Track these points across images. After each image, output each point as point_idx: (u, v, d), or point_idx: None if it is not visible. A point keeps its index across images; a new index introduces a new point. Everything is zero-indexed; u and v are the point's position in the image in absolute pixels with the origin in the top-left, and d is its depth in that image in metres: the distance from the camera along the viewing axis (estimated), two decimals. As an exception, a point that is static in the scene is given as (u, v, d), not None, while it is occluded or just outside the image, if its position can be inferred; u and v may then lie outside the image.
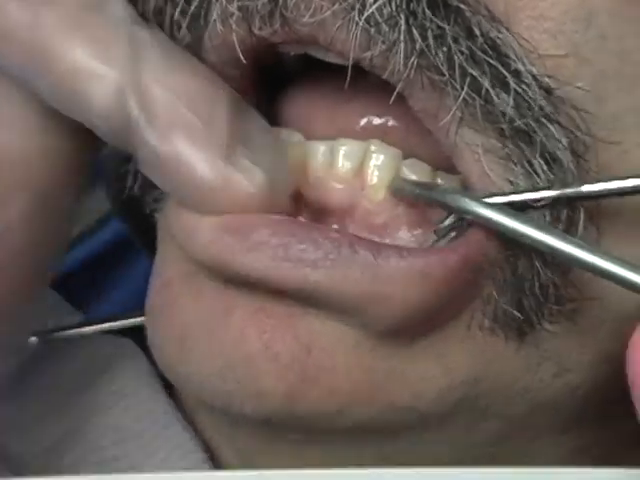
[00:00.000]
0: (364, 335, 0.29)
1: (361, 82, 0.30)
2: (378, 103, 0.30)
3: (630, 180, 0.27)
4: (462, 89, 0.27)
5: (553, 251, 0.27)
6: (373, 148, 0.30)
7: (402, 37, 0.27)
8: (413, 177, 0.30)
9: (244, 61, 0.29)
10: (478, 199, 0.28)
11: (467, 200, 0.28)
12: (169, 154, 0.27)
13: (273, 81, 0.31)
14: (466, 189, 0.29)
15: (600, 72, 0.28)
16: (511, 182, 0.28)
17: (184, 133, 0.27)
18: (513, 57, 0.28)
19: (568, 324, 0.29)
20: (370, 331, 0.29)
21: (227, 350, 0.28)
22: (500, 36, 0.27)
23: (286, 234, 0.28)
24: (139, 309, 0.33)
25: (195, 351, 0.29)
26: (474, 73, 0.27)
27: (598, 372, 0.30)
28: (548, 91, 0.28)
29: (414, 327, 0.29)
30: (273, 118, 0.31)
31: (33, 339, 0.34)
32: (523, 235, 0.27)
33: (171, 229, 0.29)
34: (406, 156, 0.30)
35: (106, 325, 0.35)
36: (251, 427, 0.30)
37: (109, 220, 0.43)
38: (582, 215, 0.28)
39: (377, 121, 0.30)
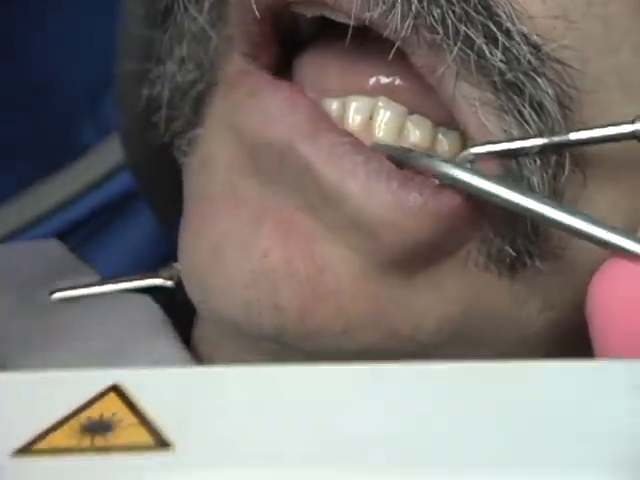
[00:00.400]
0: (372, 264, 0.31)
1: (371, 45, 0.32)
2: (386, 64, 0.32)
3: (611, 128, 0.30)
4: (455, 45, 0.30)
5: (515, 207, 0.29)
6: (381, 104, 0.33)
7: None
8: (417, 132, 0.32)
9: (258, 16, 0.32)
10: (446, 161, 0.31)
11: (437, 162, 0.30)
12: None
13: (292, 44, 0.34)
14: (467, 141, 0.32)
15: (585, 34, 0.31)
16: (505, 131, 0.31)
17: None
18: (504, 17, 0.30)
19: (554, 264, 0.32)
20: (378, 260, 0.31)
21: (254, 261, 0.31)
22: None
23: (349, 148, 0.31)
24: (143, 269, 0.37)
25: (226, 261, 0.31)
26: (467, 31, 0.30)
27: (576, 312, 0.31)
28: (536, 48, 0.30)
29: (418, 259, 0.31)
30: (290, 77, 0.34)
31: (50, 297, 0.36)
32: (486, 192, 0.29)
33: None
34: (411, 112, 0.33)
35: (123, 285, 0.36)
36: (262, 348, 0.33)
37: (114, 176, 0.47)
38: (568, 161, 0.31)
39: (385, 80, 0.33)
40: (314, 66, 0.34)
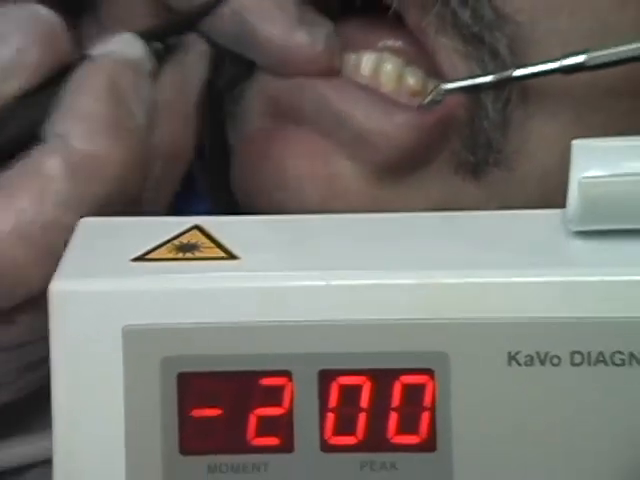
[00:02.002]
0: (371, 170, 0.41)
1: (380, 20, 0.42)
2: (390, 31, 0.42)
3: (543, 65, 0.39)
4: (435, 6, 0.39)
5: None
6: (385, 57, 0.42)
7: None
8: (412, 78, 0.42)
9: None
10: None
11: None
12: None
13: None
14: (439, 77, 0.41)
15: (534, 1, 0.40)
16: (470, 72, 0.40)
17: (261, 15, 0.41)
18: None
19: (508, 173, 0.41)
20: (376, 166, 0.41)
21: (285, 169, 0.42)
22: None
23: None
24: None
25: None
26: None
27: None
28: (496, 9, 0.40)
29: (405, 164, 0.41)
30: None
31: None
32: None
33: None
34: (407, 64, 0.42)
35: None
36: None
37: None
38: (515, 94, 0.40)
39: (390, 42, 0.43)
40: (339, 32, 0.43)
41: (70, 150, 0.36)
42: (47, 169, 0.35)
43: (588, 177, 0.32)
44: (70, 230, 0.34)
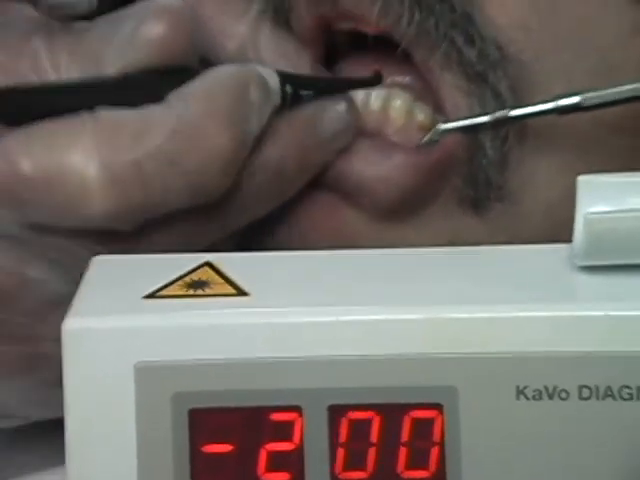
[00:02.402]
0: (375, 214, 0.42)
1: (389, 56, 0.42)
2: (400, 67, 0.43)
3: (539, 105, 0.39)
4: (443, 44, 0.40)
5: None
6: (394, 93, 0.42)
7: (406, 11, 0.40)
8: (421, 114, 0.43)
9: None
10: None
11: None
12: None
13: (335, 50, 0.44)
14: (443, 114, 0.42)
15: (539, 41, 0.40)
16: (471, 110, 0.40)
17: None
18: (479, 25, 0.40)
19: (512, 208, 0.41)
20: (379, 211, 0.42)
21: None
22: (473, 11, 0.40)
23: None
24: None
25: None
26: (453, 34, 0.40)
27: None
28: (501, 49, 0.40)
29: (408, 205, 0.41)
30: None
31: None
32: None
33: None
34: (416, 100, 0.43)
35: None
36: None
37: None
38: (512, 134, 0.40)
39: (398, 79, 0.43)
40: (350, 68, 0.44)
41: (180, 119, 0.37)
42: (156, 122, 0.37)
43: (593, 213, 0.32)
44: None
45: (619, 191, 0.32)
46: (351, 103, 0.42)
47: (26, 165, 0.36)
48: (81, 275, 0.35)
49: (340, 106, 0.42)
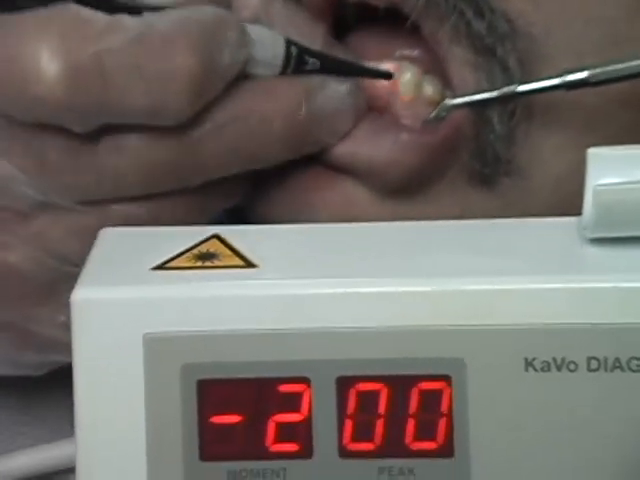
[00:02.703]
0: (385, 192, 0.41)
1: (399, 29, 0.41)
2: (409, 41, 0.42)
3: (546, 81, 0.39)
4: (452, 17, 0.39)
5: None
6: (404, 67, 0.42)
7: None
8: (430, 87, 0.42)
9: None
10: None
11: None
12: None
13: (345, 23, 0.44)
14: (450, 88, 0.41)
15: (548, 13, 0.40)
16: (478, 83, 0.40)
17: None
18: None
19: (520, 182, 0.41)
20: (387, 189, 0.41)
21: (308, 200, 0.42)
22: None
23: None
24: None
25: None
26: (462, 6, 0.39)
27: None
28: (510, 22, 0.39)
29: (417, 183, 0.41)
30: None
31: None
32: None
33: None
34: (425, 73, 0.42)
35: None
36: None
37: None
38: (519, 109, 0.40)
39: (407, 52, 0.43)
40: (362, 41, 0.44)
41: (150, 27, 0.37)
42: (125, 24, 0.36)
43: (603, 185, 0.32)
44: None
45: (628, 163, 0.32)
46: (357, 88, 0.42)
47: None
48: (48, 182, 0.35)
49: (342, 87, 0.41)
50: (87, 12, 0.37)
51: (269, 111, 0.39)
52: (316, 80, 0.41)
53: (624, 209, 0.32)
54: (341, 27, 0.44)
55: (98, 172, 0.37)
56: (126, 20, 0.37)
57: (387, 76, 0.42)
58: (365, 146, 0.41)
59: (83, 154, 0.37)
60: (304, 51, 0.41)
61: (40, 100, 0.36)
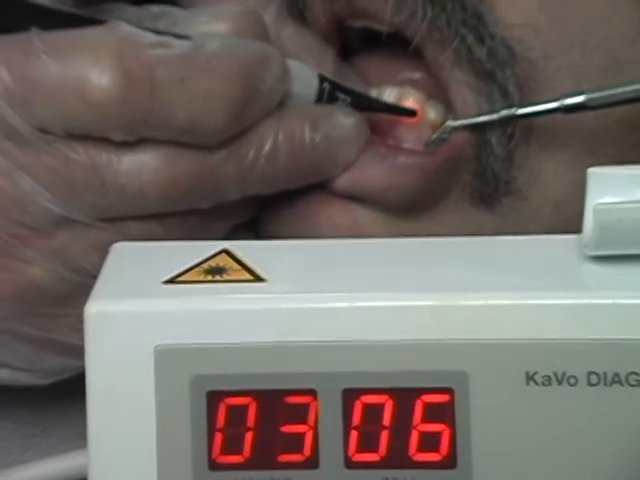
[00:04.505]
0: (389, 215, 0.41)
1: (401, 53, 0.42)
2: (409, 65, 0.43)
3: (544, 104, 0.39)
4: (454, 42, 0.40)
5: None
6: (407, 92, 0.43)
7: (419, 7, 0.40)
8: (432, 111, 0.43)
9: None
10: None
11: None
12: None
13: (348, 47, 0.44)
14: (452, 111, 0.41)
15: (547, 39, 0.40)
16: (479, 107, 0.40)
17: None
18: (490, 24, 0.40)
19: (521, 202, 0.41)
20: (391, 211, 0.41)
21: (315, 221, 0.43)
22: (483, 10, 0.40)
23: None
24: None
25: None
26: (463, 32, 0.40)
27: None
28: (510, 48, 0.40)
29: (419, 204, 0.41)
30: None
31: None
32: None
33: None
34: (427, 98, 0.43)
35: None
36: None
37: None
38: (518, 131, 0.40)
39: (410, 75, 0.43)
40: (363, 64, 0.44)
41: (198, 49, 0.38)
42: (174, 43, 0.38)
43: (603, 203, 0.33)
44: None
45: (628, 183, 0.32)
46: (362, 121, 0.42)
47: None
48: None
49: (348, 119, 0.41)
50: (138, 30, 0.37)
51: (277, 139, 0.40)
52: (322, 110, 0.41)
53: (624, 228, 0.32)
54: (345, 51, 0.44)
55: (120, 190, 0.38)
56: (174, 40, 0.38)
57: (411, 113, 0.42)
58: (365, 173, 0.41)
59: (107, 173, 0.37)
60: (336, 87, 0.41)
61: (95, 107, 0.36)
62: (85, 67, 0.36)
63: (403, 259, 0.34)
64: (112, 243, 0.37)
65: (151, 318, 0.32)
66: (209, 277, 0.33)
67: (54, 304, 0.39)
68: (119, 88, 0.36)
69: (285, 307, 0.32)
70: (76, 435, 0.43)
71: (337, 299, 0.32)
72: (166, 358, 0.32)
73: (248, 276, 0.33)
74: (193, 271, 0.33)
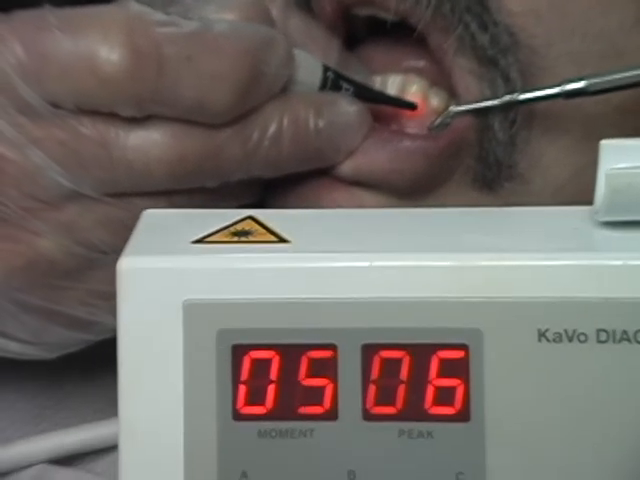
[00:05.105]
0: (392, 199, 0.42)
1: (405, 41, 0.43)
2: (415, 52, 0.44)
3: (546, 90, 0.40)
4: (457, 29, 0.41)
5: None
6: (410, 79, 0.44)
7: None
8: (436, 98, 0.44)
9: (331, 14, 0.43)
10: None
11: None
12: None
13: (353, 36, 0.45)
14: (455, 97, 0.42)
15: (549, 26, 0.41)
16: (482, 93, 0.41)
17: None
18: (493, 11, 0.41)
19: (523, 186, 0.42)
20: (395, 195, 0.42)
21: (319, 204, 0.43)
22: None
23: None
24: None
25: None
26: (467, 19, 0.41)
27: None
28: (512, 35, 0.41)
29: (423, 187, 0.42)
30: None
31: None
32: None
33: None
34: (431, 85, 0.44)
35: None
36: None
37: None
38: (520, 117, 0.41)
39: (414, 63, 0.44)
40: (367, 52, 0.45)
41: (206, 28, 0.39)
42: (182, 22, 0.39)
43: (615, 168, 0.34)
44: None
45: (639, 151, 0.34)
46: (365, 108, 0.42)
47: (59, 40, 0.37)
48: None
49: (351, 107, 0.42)
50: (147, 8, 0.38)
51: (281, 123, 0.41)
52: (326, 97, 0.42)
53: (634, 192, 0.33)
54: (350, 40, 0.45)
55: (127, 166, 0.38)
56: (182, 19, 0.39)
57: (412, 106, 0.43)
58: (368, 158, 0.42)
59: (116, 148, 0.38)
60: (339, 77, 0.42)
61: (104, 82, 0.37)
62: (96, 43, 0.37)
63: (420, 225, 0.35)
64: (119, 219, 0.38)
65: (180, 274, 0.33)
66: (235, 238, 0.34)
67: (62, 277, 0.40)
68: (128, 64, 0.37)
69: (307, 266, 0.33)
70: (89, 409, 0.45)
71: (357, 259, 0.33)
72: (194, 312, 0.33)
73: (273, 238, 0.35)
74: (220, 233, 0.35)
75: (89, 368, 0.46)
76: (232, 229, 0.35)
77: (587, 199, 0.35)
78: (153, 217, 0.36)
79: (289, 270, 0.33)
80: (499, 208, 0.37)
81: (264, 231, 0.35)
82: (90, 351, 0.43)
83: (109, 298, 0.39)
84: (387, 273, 0.33)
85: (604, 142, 0.34)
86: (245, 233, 0.35)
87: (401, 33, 0.43)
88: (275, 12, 0.43)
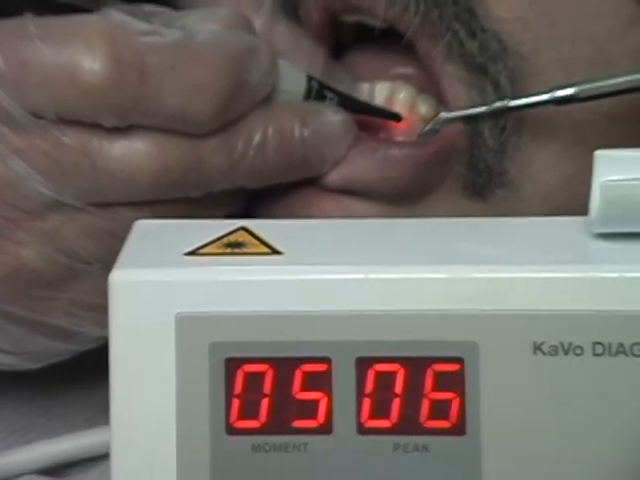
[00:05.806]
0: (381, 207, 0.42)
1: (393, 48, 0.42)
2: (403, 60, 0.43)
3: (536, 97, 0.40)
4: (446, 36, 0.40)
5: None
6: (398, 87, 0.43)
7: (412, 2, 0.40)
8: (424, 106, 0.43)
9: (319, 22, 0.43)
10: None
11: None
12: None
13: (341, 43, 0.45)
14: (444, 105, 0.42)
15: (537, 33, 0.40)
16: (471, 100, 0.41)
17: None
18: (481, 18, 0.40)
19: (513, 193, 0.42)
20: (383, 203, 0.42)
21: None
22: (475, 4, 0.40)
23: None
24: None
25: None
26: (455, 27, 0.40)
27: None
28: (501, 42, 0.40)
29: (413, 195, 0.42)
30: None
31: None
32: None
33: None
34: (419, 92, 0.43)
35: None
36: None
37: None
38: (510, 123, 0.41)
39: (402, 70, 0.43)
40: (354, 60, 0.45)
41: (189, 37, 0.39)
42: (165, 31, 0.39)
43: (609, 180, 0.34)
44: None
45: (634, 163, 0.33)
46: (350, 118, 0.42)
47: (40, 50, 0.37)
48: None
49: (336, 116, 0.42)
50: (130, 18, 0.38)
51: (266, 132, 0.40)
52: (311, 107, 0.41)
53: (629, 204, 0.33)
54: (338, 47, 0.45)
55: (111, 175, 0.38)
56: (164, 28, 0.38)
57: (396, 117, 0.43)
58: (356, 167, 0.41)
59: (99, 158, 0.38)
60: (323, 86, 0.42)
61: (86, 92, 0.36)
62: (77, 52, 0.36)
63: (415, 236, 0.35)
64: (103, 228, 0.38)
65: (172, 287, 0.32)
66: (228, 250, 0.34)
67: (45, 287, 0.39)
68: (110, 73, 0.36)
69: (301, 278, 0.32)
70: (79, 418, 0.44)
71: (352, 271, 0.33)
72: (186, 325, 0.32)
73: (266, 249, 0.34)
74: (213, 245, 0.34)
75: (78, 377, 0.46)
76: (225, 240, 0.35)
77: (577, 206, 0.35)
78: (145, 228, 0.36)
79: (283, 282, 0.33)
80: (494, 219, 0.37)
81: (257, 242, 0.34)
82: (79, 359, 0.43)
83: (93, 309, 0.39)
84: (382, 285, 0.32)
85: (599, 153, 0.34)
86: (238, 245, 0.34)
87: (389, 40, 0.42)
88: (261, 21, 0.42)
